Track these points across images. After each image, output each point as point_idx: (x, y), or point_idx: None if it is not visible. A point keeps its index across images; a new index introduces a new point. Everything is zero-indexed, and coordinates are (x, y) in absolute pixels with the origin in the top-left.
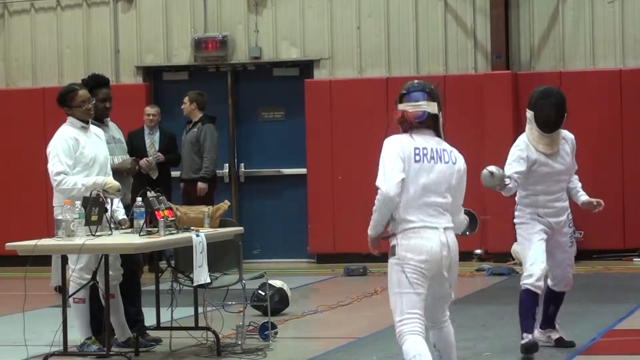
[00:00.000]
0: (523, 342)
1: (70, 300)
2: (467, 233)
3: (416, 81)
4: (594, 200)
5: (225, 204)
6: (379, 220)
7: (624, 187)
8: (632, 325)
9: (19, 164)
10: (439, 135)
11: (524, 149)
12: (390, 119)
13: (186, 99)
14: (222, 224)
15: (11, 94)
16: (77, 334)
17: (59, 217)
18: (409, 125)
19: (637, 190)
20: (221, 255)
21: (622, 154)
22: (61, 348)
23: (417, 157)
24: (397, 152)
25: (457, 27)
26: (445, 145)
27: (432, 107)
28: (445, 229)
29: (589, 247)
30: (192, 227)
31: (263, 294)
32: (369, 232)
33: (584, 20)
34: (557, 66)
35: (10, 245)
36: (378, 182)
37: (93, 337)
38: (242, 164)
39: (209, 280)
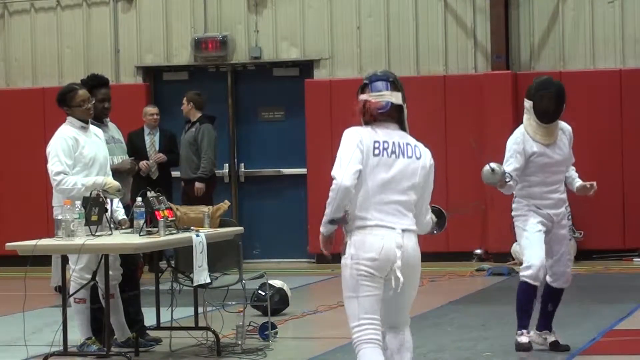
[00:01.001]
0: (518, 340)
1: (71, 300)
2: (435, 232)
3: (379, 71)
4: (587, 183)
5: (225, 204)
6: (334, 212)
7: (624, 187)
8: (632, 325)
9: (18, 164)
10: (403, 129)
11: (520, 142)
12: (352, 111)
13: (184, 99)
14: (222, 224)
15: (11, 94)
16: (77, 334)
17: (59, 217)
18: (370, 116)
19: (637, 190)
20: (221, 255)
21: (622, 154)
22: (61, 348)
23: (377, 151)
24: (356, 142)
25: (457, 27)
26: (409, 139)
27: (395, 97)
28: (404, 230)
29: (589, 247)
30: (192, 227)
31: (263, 294)
32: (321, 229)
33: (584, 20)
34: (557, 66)
35: (10, 245)
36: (333, 172)
37: (93, 337)
38: (242, 164)
39: (209, 280)
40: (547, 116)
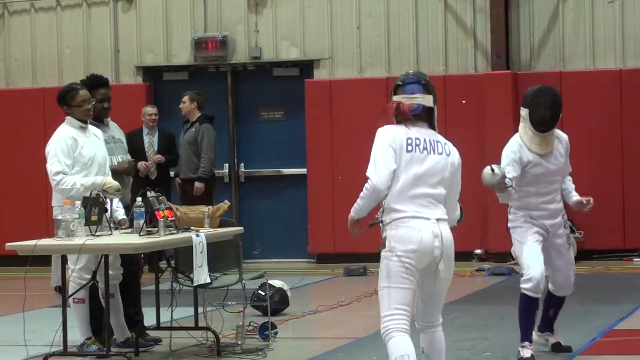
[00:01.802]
0: (521, 354)
1: (70, 300)
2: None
3: (411, 72)
4: (583, 199)
5: (225, 204)
6: (364, 207)
7: (624, 187)
8: (632, 325)
9: (18, 164)
10: (432, 128)
11: (517, 150)
12: (384, 111)
13: (186, 98)
14: (222, 224)
15: (11, 94)
16: (77, 334)
17: (59, 217)
18: (403, 117)
19: (637, 190)
20: (221, 255)
21: (622, 154)
22: (61, 348)
23: (409, 147)
24: (388, 141)
25: (457, 27)
26: (439, 137)
27: (427, 100)
28: (438, 220)
29: (589, 247)
30: (192, 227)
31: (263, 294)
32: (352, 214)
33: (584, 20)
34: (557, 66)
35: (10, 245)
36: (369, 173)
37: (93, 337)
38: (242, 164)
39: (209, 280)
40: (543, 125)
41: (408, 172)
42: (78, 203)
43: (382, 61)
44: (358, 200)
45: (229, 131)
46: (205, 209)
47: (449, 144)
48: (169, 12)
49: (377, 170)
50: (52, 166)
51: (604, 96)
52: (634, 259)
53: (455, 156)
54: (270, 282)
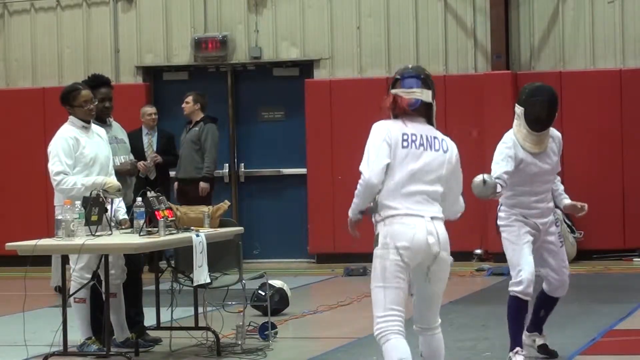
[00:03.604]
0: None
1: (71, 300)
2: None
3: (410, 66)
4: (577, 203)
5: (225, 204)
6: (360, 204)
7: (624, 187)
8: (632, 325)
9: (19, 164)
10: (431, 124)
11: (511, 146)
12: (382, 104)
13: (189, 99)
14: (222, 224)
15: (11, 94)
16: (77, 334)
17: (59, 217)
18: (401, 112)
19: (637, 190)
20: (221, 255)
21: (622, 154)
22: (61, 348)
23: (405, 143)
24: (383, 136)
25: (457, 27)
26: (437, 133)
27: (426, 95)
28: (432, 218)
29: (589, 247)
30: (192, 227)
31: (263, 294)
32: (349, 214)
33: (584, 20)
34: (557, 66)
35: (10, 245)
36: (361, 167)
37: (93, 337)
38: (242, 164)
39: (209, 280)
40: (539, 124)
41: (403, 169)
42: (78, 203)
43: (382, 61)
44: (354, 199)
45: (229, 131)
46: (205, 209)
47: (447, 140)
48: (169, 12)
49: (370, 164)
50: (53, 166)
51: (604, 96)
52: (634, 259)
53: (453, 152)
54: (270, 282)
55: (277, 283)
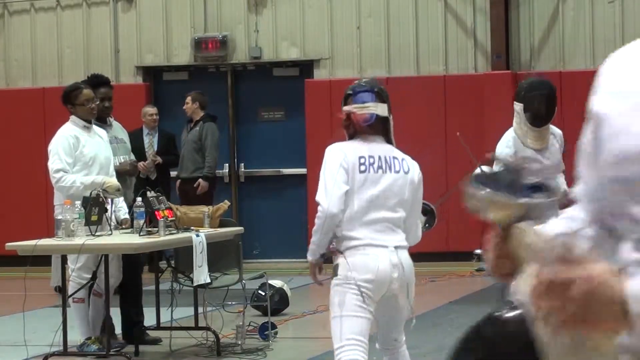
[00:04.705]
0: None
1: (70, 299)
2: (426, 227)
3: (364, 80)
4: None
5: (225, 204)
6: (320, 241)
7: None
8: None
9: (19, 164)
10: (389, 142)
11: (511, 145)
12: (335, 123)
13: (188, 99)
14: (222, 224)
15: (11, 94)
16: (77, 334)
17: (59, 217)
18: (356, 129)
19: None
20: (221, 255)
21: None
22: (61, 348)
23: (363, 167)
24: (339, 161)
25: (457, 27)
26: (396, 152)
27: (381, 109)
28: (396, 247)
29: None
30: (192, 227)
31: (263, 294)
32: (309, 257)
33: (584, 20)
34: (557, 66)
35: (10, 245)
36: (318, 197)
37: (93, 337)
38: (242, 164)
39: (209, 280)
40: (538, 119)
41: (362, 195)
42: (78, 203)
43: (382, 61)
44: (312, 237)
45: (229, 131)
46: (205, 209)
47: (408, 159)
48: (169, 12)
49: (327, 193)
50: (52, 164)
51: None
52: None
53: (415, 173)
54: (270, 282)
55: (277, 283)
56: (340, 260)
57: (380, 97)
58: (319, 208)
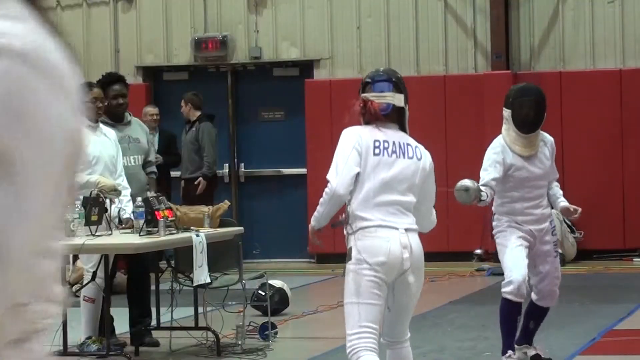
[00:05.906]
0: None
1: (81, 298)
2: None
3: (382, 69)
4: (571, 206)
5: (225, 204)
6: (324, 214)
7: (624, 187)
8: (632, 325)
9: None
10: (403, 130)
11: (499, 152)
12: (351, 109)
13: (182, 102)
14: (222, 224)
15: None
16: (77, 334)
17: None
18: (372, 117)
19: (637, 190)
20: (221, 255)
21: (622, 154)
22: (61, 348)
23: (377, 151)
24: (353, 143)
25: (457, 27)
26: (410, 140)
27: (398, 99)
28: (407, 230)
29: (589, 247)
30: (192, 227)
31: (263, 294)
32: (312, 222)
33: (584, 20)
34: (557, 66)
35: None
36: (329, 176)
37: (94, 337)
38: (242, 164)
39: (209, 280)
40: (527, 125)
41: (374, 178)
42: (78, 203)
43: (382, 61)
44: (318, 207)
45: (229, 131)
46: (205, 209)
47: (421, 148)
48: (169, 12)
49: (338, 173)
50: None
51: (604, 96)
52: (634, 259)
53: (426, 160)
54: (270, 282)
55: (277, 283)
56: (353, 243)
57: (398, 87)
58: (328, 185)
